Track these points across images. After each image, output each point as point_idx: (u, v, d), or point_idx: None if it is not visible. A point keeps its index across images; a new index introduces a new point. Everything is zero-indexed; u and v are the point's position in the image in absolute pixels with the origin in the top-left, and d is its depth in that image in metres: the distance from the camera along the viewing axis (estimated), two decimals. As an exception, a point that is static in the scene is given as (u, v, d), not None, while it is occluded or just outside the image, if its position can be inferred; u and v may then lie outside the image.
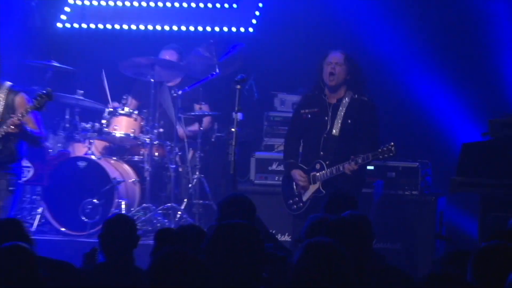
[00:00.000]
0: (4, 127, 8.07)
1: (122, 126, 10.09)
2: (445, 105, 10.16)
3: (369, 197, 9.18)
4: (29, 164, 9.72)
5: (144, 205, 9.98)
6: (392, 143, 8.25)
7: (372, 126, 8.48)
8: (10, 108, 8.20)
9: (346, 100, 8.50)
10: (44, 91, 8.08)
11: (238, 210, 6.06)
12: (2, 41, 9.11)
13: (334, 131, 8.47)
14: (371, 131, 8.45)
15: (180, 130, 10.18)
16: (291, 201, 8.66)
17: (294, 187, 8.66)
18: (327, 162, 8.48)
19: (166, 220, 9.85)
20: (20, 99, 8.24)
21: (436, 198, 9.43)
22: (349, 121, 8.42)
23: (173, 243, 5.58)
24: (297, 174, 8.56)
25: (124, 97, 10.31)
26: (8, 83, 8.28)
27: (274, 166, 9.76)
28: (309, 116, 8.57)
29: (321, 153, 8.47)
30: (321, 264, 4.20)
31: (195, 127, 10.31)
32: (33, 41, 10.93)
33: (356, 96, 8.51)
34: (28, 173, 9.80)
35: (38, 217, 9.86)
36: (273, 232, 8.57)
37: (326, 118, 8.50)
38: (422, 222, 9.21)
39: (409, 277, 5.13)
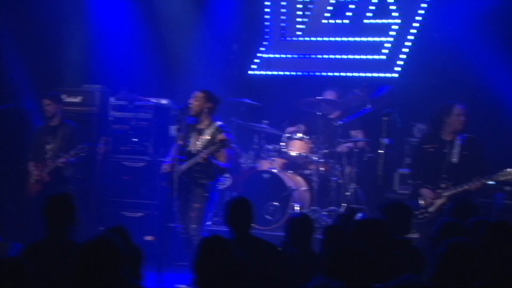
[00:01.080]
0: (198, 157, 7.92)
1: (296, 147, 9.90)
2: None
3: (489, 205, 8.89)
4: (228, 175, 9.57)
5: (312, 207, 9.66)
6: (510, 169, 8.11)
7: (482, 156, 8.39)
8: (212, 142, 8.01)
9: (461, 137, 8.45)
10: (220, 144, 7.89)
11: (400, 213, 5.99)
12: (211, 84, 8.95)
13: (454, 160, 8.37)
14: (482, 160, 8.37)
15: (339, 148, 9.85)
16: (417, 212, 8.30)
17: (421, 201, 8.44)
18: (451, 183, 8.34)
19: (329, 220, 9.46)
20: (221, 137, 7.95)
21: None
22: (465, 152, 8.34)
23: (337, 238, 5.39)
24: (427, 191, 8.38)
25: (298, 125, 10.06)
26: (219, 123, 8.09)
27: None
28: (432, 150, 8.43)
29: (444, 176, 8.35)
30: (466, 259, 4.07)
31: (350, 144, 9.99)
32: (232, 83, 10.76)
33: (467, 134, 8.48)
34: (228, 182, 9.71)
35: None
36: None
37: (446, 150, 8.40)
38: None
39: None
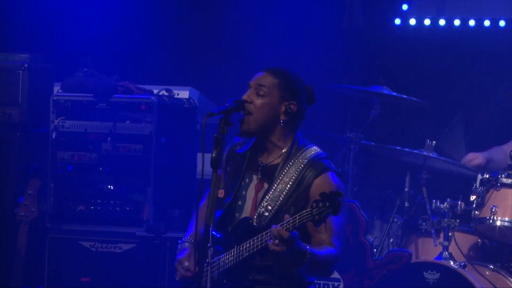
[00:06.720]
0: (266, 236, 4.57)
1: (507, 206, 6.85)
2: None
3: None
4: (336, 276, 6.76)
5: None
6: None
7: None
8: (300, 197, 4.69)
9: None
10: None
11: None
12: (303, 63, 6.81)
13: None
14: None
15: None
16: None
17: None
18: None
19: None
20: (321, 181, 4.60)
21: None
22: None
23: None
24: None
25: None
26: (313, 149, 4.74)
27: None
28: None
29: None
30: None
31: None
32: (350, 53, 7.65)
33: None
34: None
35: None
36: None
37: None
38: None
39: None
